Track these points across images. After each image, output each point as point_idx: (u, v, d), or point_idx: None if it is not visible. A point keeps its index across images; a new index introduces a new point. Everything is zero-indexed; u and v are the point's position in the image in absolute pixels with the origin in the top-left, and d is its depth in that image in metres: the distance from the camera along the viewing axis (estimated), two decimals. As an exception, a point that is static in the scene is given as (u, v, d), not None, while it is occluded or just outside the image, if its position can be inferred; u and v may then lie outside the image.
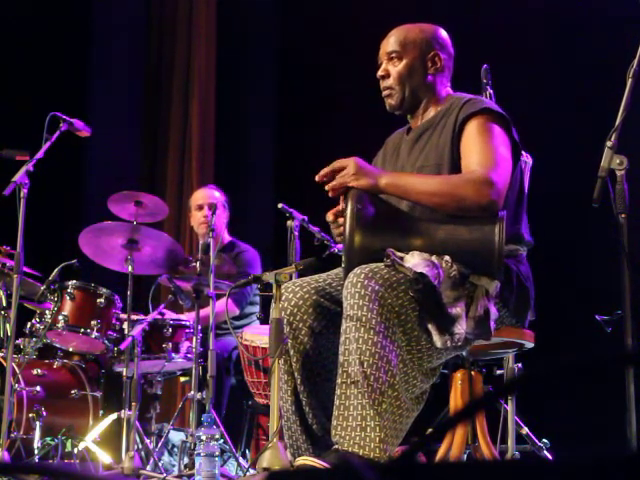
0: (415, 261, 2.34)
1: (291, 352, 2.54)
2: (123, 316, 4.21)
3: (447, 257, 2.38)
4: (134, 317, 4.22)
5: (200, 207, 4.87)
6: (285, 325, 2.53)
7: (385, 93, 2.72)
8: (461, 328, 2.34)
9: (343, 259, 2.41)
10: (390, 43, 2.72)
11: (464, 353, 2.66)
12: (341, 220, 2.52)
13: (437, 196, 2.45)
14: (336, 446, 2.29)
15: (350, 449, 2.25)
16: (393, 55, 2.70)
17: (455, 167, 2.55)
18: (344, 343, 2.30)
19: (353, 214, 2.38)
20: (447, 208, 2.46)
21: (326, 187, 2.49)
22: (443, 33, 2.78)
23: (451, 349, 2.40)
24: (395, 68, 2.69)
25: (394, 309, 2.30)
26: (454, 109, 2.62)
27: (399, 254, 2.36)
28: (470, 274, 2.40)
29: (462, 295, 2.38)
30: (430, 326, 2.33)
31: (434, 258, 2.36)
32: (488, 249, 2.38)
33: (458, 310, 2.35)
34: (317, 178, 2.50)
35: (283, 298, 2.55)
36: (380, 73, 2.72)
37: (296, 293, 2.55)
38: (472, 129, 2.55)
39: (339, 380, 2.31)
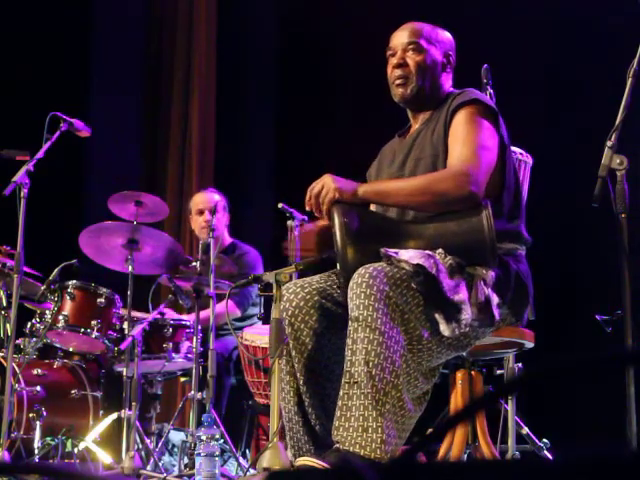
0: (410, 254, 2.35)
1: (293, 353, 2.54)
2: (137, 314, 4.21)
3: (440, 250, 2.39)
4: (137, 314, 4.23)
5: (201, 212, 4.87)
6: (287, 326, 2.53)
7: (399, 82, 2.70)
8: (466, 313, 2.35)
9: (340, 273, 2.41)
10: (408, 34, 2.71)
11: (464, 353, 2.66)
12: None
13: (417, 195, 2.46)
14: (337, 445, 2.29)
15: (351, 449, 2.25)
16: (412, 46, 2.69)
17: None
18: (350, 344, 2.30)
19: (342, 228, 2.38)
20: (429, 206, 2.48)
21: (314, 211, 2.51)
22: (450, 34, 2.82)
23: (452, 347, 2.41)
24: (413, 59, 2.69)
25: (399, 307, 2.31)
26: (448, 103, 2.65)
27: (393, 250, 2.37)
28: (466, 265, 2.41)
29: (461, 281, 2.38)
30: (437, 316, 2.35)
31: (428, 251, 2.38)
32: (479, 239, 2.39)
33: (461, 296, 2.36)
34: (307, 208, 2.52)
35: (284, 299, 2.55)
36: (398, 61, 2.70)
37: (298, 294, 2.55)
38: (459, 120, 2.58)
39: (343, 380, 2.31)
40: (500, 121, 2.61)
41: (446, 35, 2.78)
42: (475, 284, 2.41)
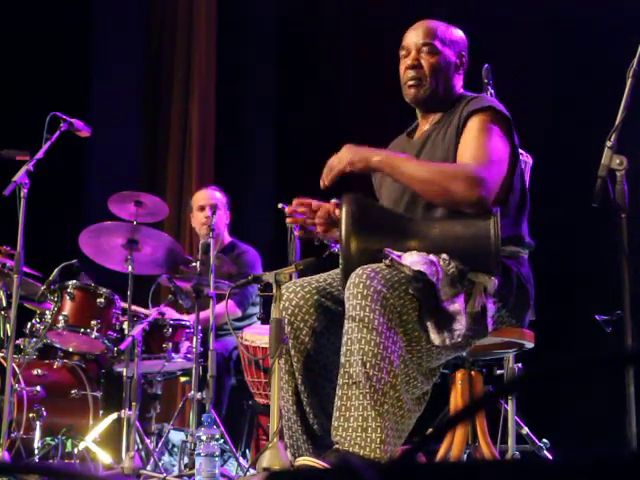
0: (413, 259, 2.34)
1: (292, 352, 2.54)
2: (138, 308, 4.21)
3: (444, 255, 2.38)
4: (136, 309, 4.23)
5: (202, 208, 4.88)
6: (286, 325, 2.53)
7: (412, 83, 2.67)
8: (460, 325, 2.34)
9: (340, 263, 2.41)
10: (423, 34, 2.68)
11: (464, 353, 2.66)
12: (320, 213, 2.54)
13: (429, 184, 2.45)
14: (337, 446, 2.29)
15: (351, 449, 2.25)
16: (427, 48, 2.66)
17: None
18: (346, 344, 2.30)
19: (348, 218, 2.37)
20: (436, 198, 2.48)
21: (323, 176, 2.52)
22: (463, 33, 2.80)
23: (451, 349, 2.40)
24: (428, 60, 2.66)
25: (396, 309, 2.30)
26: (460, 107, 2.63)
27: (397, 252, 2.37)
28: (468, 271, 2.40)
29: (460, 292, 2.38)
30: (429, 324, 2.34)
31: (432, 256, 2.37)
32: (484, 245, 2.38)
33: (456, 307, 2.35)
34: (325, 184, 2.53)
35: (284, 298, 2.55)
36: (412, 62, 2.67)
37: (297, 293, 2.55)
38: (472, 125, 2.56)
39: (340, 381, 2.31)
40: (512, 128, 2.60)
41: (460, 34, 2.75)
42: (474, 292, 2.40)
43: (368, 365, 2.25)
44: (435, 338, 2.33)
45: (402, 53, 2.73)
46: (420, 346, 2.35)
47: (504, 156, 2.53)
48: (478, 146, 2.51)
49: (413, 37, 2.70)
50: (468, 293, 2.40)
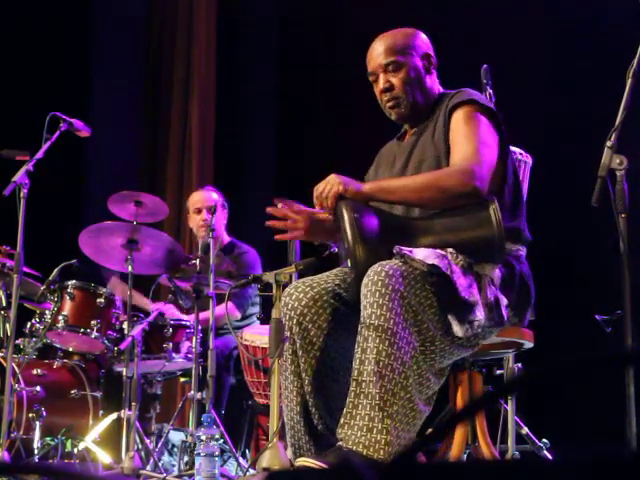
0: (424, 253, 2.35)
1: (299, 352, 2.53)
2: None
3: (450, 249, 2.39)
4: (136, 298, 4.22)
5: (199, 210, 4.85)
6: (295, 325, 2.53)
7: (391, 104, 2.70)
8: (479, 315, 2.36)
9: (349, 269, 2.40)
10: (383, 54, 2.69)
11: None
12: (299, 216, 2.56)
13: (421, 191, 2.47)
14: (340, 444, 2.29)
15: (354, 448, 2.25)
16: (392, 67, 2.68)
17: None
18: (360, 341, 2.30)
19: (352, 225, 2.36)
20: (433, 202, 2.48)
21: (317, 206, 2.52)
22: (422, 33, 2.79)
23: (464, 346, 2.42)
24: (397, 77, 2.68)
25: (412, 308, 2.31)
26: (444, 103, 2.65)
27: (408, 248, 2.37)
28: (474, 264, 2.41)
29: (472, 282, 2.39)
30: (450, 317, 2.35)
31: (439, 250, 2.38)
32: (488, 233, 2.39)
33: (475, 296, 2.37)
34: (317, 207, 2.53)
35: (293, 298, 2.54)
36: (384, 86, 2.69)
37: (307, 293, 2.55)
38: (457, 118, 2.58)
39: (352, 378, 2.30)
40: (498, 120, 2.61)
41: (419, 37, 2.75)
42: (484, 284, 2.42)
43: (381, 364, 2.25)
44: (458, 330, 2.34)
45: (371, 79, 2.75)
46: (434, 346, 2.36)
47: (492, 142, 2.55)
48: (465, 139, 2.53)
49: (376, 59, 2.72)
50: (479, 286, 2.41)
